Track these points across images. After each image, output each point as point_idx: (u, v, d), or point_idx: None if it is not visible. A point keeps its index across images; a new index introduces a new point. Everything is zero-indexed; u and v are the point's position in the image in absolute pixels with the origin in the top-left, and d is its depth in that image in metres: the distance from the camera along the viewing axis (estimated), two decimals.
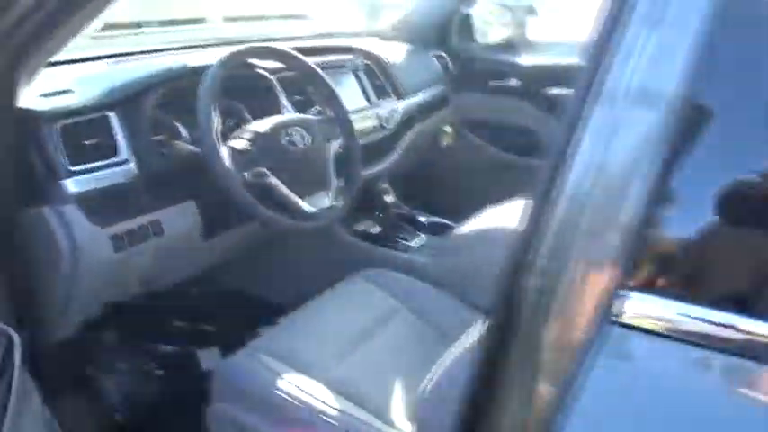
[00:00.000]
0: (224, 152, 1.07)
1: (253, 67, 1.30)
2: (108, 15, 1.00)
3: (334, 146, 1.27)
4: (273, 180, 1.13)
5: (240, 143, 1.12)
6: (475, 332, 0.76)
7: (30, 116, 1.03)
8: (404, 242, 1.52)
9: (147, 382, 1.50)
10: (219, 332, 1.68)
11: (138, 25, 1.41)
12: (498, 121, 2.09)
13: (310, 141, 1.21)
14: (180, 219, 1.21)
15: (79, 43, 1.05)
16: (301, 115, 1.28)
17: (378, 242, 1.52)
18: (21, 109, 1.02)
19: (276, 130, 1.17)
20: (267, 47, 1.21)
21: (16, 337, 0.86)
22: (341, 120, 1.30)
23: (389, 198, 1.53)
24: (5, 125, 1.01)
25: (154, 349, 1.58)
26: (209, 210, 1.25)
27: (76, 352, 1.35)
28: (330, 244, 1.57)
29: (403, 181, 1.64)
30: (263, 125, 1.17)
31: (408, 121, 1.82)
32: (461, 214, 1.68)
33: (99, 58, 1.35)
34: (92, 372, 1.42)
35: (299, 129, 1.20)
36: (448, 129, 2.07)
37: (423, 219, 1.65)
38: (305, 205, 1.17)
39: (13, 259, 1.09)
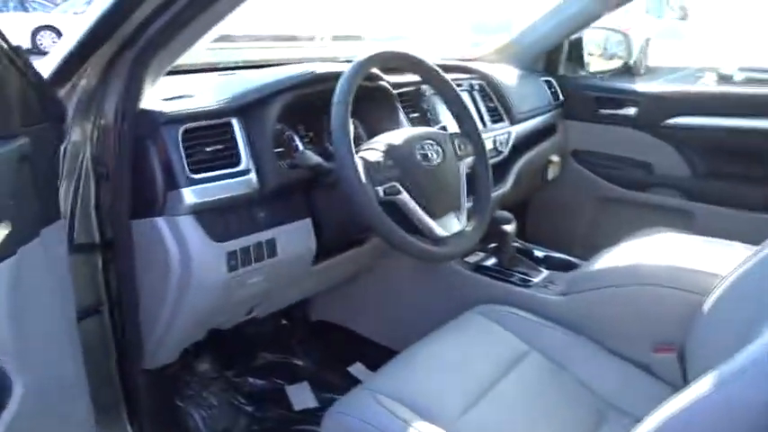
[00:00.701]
0: (359, 164, 0.96)
1: (377, 78, 1.20)
2: (224, 27, 0.93)
3: (466, 164, 1.14)
4: (406, 197, 1.00)
5: (373, 154, 1.00)
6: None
7: (152, 118, 0.95)
8: (523, 276, 1.36)
9: (237, 417, 1.38)
10: (310, 366, 1.55)
11: (256, 39, 1.35)
12: (609, 151, 1.94)
13: (443, 157, 1.08)
14: (295, 238, 1.09)
15: (193, 54, 0.97)
16: (433, 129, 1.16)
17: (495, 275, 1.37)
18: (143, 110, 0.94)
19: (410, 142, 1.05)
20: (405, 53, 1.10)
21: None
22: (473, 137, 1.17)
23: (508, 228, 1.38)
24: (127, 125, 0.93)
25: (243, 383, 1.46)
26: (326, 230, 1.13)
27: (167, 380, 1.25)
28: (440, 275, 1.42)
29: (511, 211, 1.50)
30: (396, 137, 1.05)
31: (518, 148, 1.69)
32: (575, 249, 1.52)
33: (214, 69, 1.29)
34: (181, 403, 1.30)
35: (432, 143, 1.08)
36: (555, 158, 1.93)
37: (540, 253, 1.49)
38: (437, 228, 1.03)
39: (120, 273, 1.00)
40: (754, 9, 9.66)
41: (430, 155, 1.06)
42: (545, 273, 1.39)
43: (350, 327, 1.62)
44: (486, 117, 1.57)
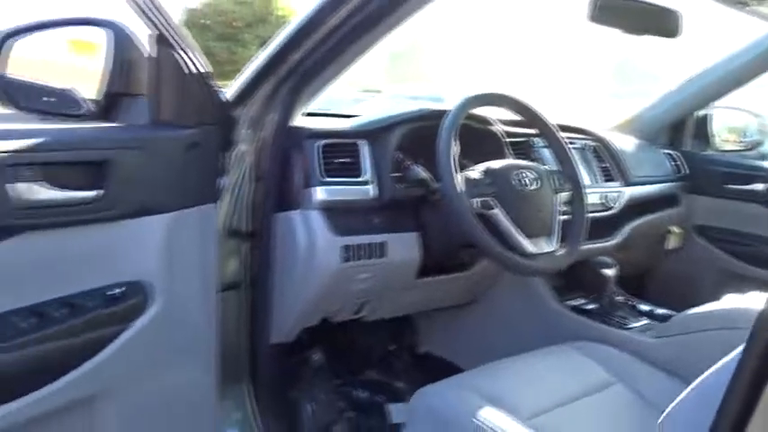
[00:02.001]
0: (458, 178, 1.13)
1: (488, 123, 1.38)
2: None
3: (561, 198, 1.26)
4: (499, 212, 1.14)
5: (473, 173, 1.17)
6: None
7: (299, 132, 1.21)
8: (622, 320, 1.39)
9: (338, 419, 1.52)
10: (411, 392, 1.66)
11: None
12: (736, 227, 1.90)
13: (539, 186, 1.21)
14: (403, 246, 1.27)
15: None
16: (533, 163, 1.30)
17: (593, 317, 1.42)
18: (293, 126, 1.21)
19: (508, 169, 1.20)
20: (510, 96, 1.28)
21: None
22: (571, 175, 1.29)
23: (610, 276, 1.43)
24: (280, 138, 1.19)
25: (348, 392, 1.60)
26: (431, 245, 1.30)
27: (286, 371, 1.44)
28: (540, 312, 1.50)
29: (621, 268, 1.54)
30: (497, 163, 1.21)
31: (634, 208, 1.74)
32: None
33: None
34: (294, 394, 1.48)
35: (530, 172, 1.22)
36: (676, 230, 1.93)
37: (644, 307, 1.51)
38: (527, 243, 1.15)
39: (260, 256, 1.23)
40: None
41: (526, 182, 1.20)
42: (644, 321, 1.41)
43: (454, 361, 1.71)
44: (598, 174, 1.66)
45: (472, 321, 1.68)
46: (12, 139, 0.76)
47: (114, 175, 0.85)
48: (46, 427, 0.83)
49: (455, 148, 1.14)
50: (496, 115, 1.43)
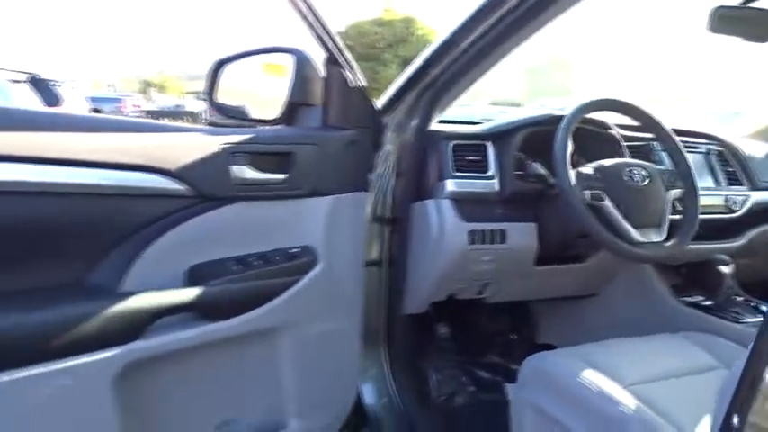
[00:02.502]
0: (571, 173, 1.29)
1: (607, 127, 1.52)
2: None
3: (673, 194, 1.36)
4: (608, 203, 1.28)
5: (586, 170, 1.32)
6: None
7: (435, 135, 1.44)
8: (737, 315, 1.44)
9: (460, 390, 1.71)
10: None
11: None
12: None
13: (649, 182, 1.33)
14: (522, 234, 1.45)
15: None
16: (644, 162, 1.42)
17: (709, 312, 1.49)
18: (430, 130, 1.44)
19: (619, 166, 1.34)
20: (619, 100, 1.41)
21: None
22: (684, 174, 1.39)
23: (727, 273, 1.49)
24: (419, 140, 1.43)
25: (470, 369, 1.79)
26: (547, 235, 1.46)
27: (416, 341, 1.67)
28: (658, 307, 1.59)
29: (745, 271, 1.58)
30: (609, 161, 1.36)
31: (761, 214, 1.76)
32: None
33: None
34: (422, 363, 1.70)
35: (641, 170, 1.34)
36: None
37: (765, 307, 1.53)
38: (635, 233, 1.28)
39: (398, 239, 1.48)
40: None
41: (637, 178, 1.33)
42: (760, 318, 1.45)
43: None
44: (722, 177, 1.71)
45: (591, 316, 1.80)
46: (231, 135, 1.07)
47: (295, 164, 1.14)
48: (239, 346, 1.12)
49: (570, 148, 1.30)
50: (616, 121, 1.57)
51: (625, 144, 1.55)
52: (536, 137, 1.46)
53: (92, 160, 0.88)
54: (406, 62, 1.43)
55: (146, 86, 38.90)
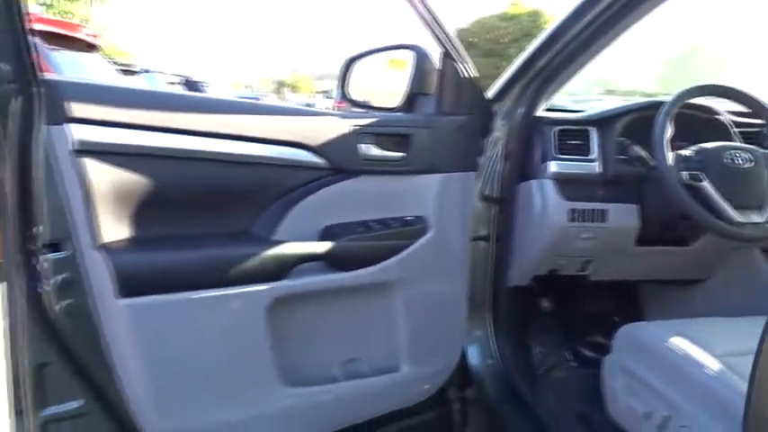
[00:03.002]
0: (669, 155, 1.37)
1: (713, 113, 1.56)
2: None
3: None
4: (707, 184, 1.34)
5: (685, 151, 1.39)
6: None
7: (540, 121, 1.58)
8: None
9: (562, 364, 1.82)
10: None
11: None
12: None
13: (753, 165, 1.37)
14: (622, 214, 1.54)
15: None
16: (750, 145, 1.45)
17: None
18: (535, 116, 1.58)
19: (721, 149, 1.39)
20: (724, 86, 1.45)
21: None
22: None
23: None
24: (526, 125, 1.57)
25: (573, 345, 1.89)
26: (649, 218, 1.54)
27: (520, 312, 1.79)
28: (765, 294, 1.60)
29: None
30: (711, 144, 1.41)
31: None
32: None
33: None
34: (525, 334, 1.83)
35: (745, 153, 1.38)
36: None
37: None
38: (734, 213, 1.33)
39: (504, 216, 1.63)
40: None
41: (739, 161, 1.37)
42: None
43: None
44: None
45: (699, 301, 1.82)
46: (361, 118, 1.28)
47: (413, 144, 1.33)
48: (361, 296, 1.33)
49: (670, 130, 1.38)
50: (727, 108, 1.60)
51: (736, 130, 1.58)
52: (639, 122, 1.54)
53: (256, 136, 1.14)
54: None
55: (279, 86, 41.51)
